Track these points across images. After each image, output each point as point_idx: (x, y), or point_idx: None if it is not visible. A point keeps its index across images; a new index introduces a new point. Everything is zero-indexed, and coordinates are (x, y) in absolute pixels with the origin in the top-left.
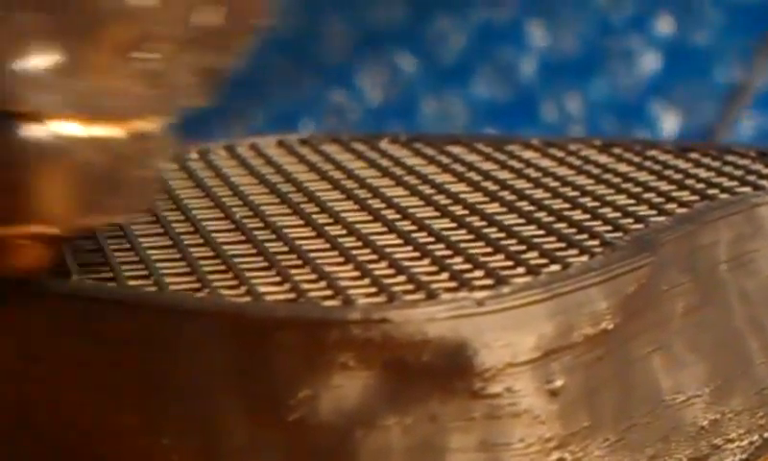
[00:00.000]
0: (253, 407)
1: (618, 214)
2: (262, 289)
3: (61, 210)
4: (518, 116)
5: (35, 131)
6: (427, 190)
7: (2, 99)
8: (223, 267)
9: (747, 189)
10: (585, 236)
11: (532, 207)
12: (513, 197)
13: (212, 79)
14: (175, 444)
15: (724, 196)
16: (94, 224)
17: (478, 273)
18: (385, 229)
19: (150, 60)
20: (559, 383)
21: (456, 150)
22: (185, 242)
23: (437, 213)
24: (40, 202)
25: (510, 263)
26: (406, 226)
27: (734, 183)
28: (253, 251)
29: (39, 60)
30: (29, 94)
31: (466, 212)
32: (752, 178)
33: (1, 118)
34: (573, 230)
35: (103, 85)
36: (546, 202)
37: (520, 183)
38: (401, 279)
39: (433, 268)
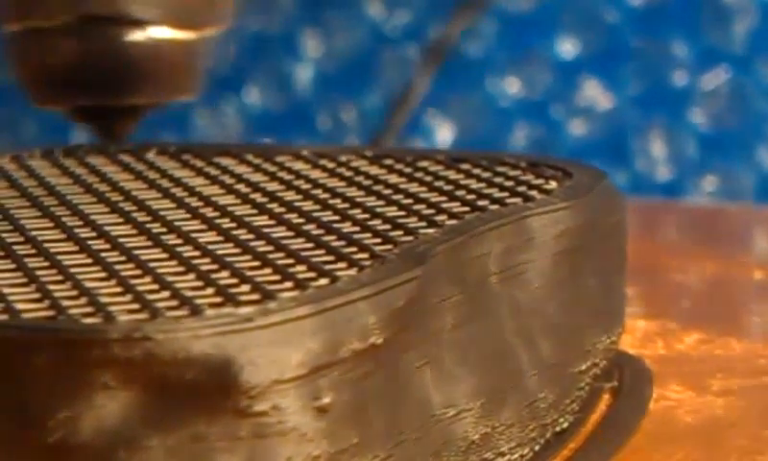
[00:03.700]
0: (12, 429)
1: (388, 226)
2: (20, 306)
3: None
4: (293, 127)
5: (137, 34)
6: (194, 203)
7: (115, 11)
8: None
9: (517, 200)
10: (354, 249)
11: (301, 220)
12: (282, 209)
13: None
14: None
15: (494, 207)
16: (172, 98)
17: (245, 287)
18: (150, 243)
19: None
20: (326, 400)
21: (225, 161)
22: None
23: (204, 226)
24: (139, 80)
25: (277, 277)
26: (172, 239)
27: (505, 194)
28: (12, 266)
29: None
30: (134, 8)
31: (233, 225)
32: (522, 188)
33: (114, 23)
34: (342, 243)
35: (186, 3)
36: (316, 214)
37: (290, 195)
38: (165, 294)
39: (198, 283)
